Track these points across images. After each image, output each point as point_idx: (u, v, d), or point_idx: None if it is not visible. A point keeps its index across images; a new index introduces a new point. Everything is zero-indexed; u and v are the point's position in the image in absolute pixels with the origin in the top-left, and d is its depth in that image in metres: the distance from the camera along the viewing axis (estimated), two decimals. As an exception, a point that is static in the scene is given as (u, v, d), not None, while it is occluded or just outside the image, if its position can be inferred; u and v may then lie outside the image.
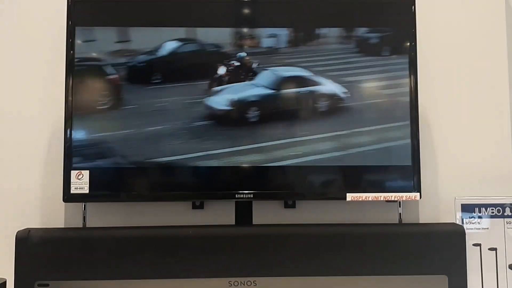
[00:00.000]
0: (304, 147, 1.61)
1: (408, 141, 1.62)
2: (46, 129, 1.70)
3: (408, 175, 1.61)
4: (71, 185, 1.56)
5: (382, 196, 1.60)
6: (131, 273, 1.51)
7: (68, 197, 1.57)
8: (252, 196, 1.59)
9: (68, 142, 1.57)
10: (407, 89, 1.63)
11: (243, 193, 1.59)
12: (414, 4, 1.66)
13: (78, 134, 1.58)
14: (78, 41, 1.59)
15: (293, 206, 1.69)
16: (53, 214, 1.68)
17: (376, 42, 1.65)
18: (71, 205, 1.65)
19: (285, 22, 1.64)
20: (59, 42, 1.64)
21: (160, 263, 1.51)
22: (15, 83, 1.72)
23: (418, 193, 1.61)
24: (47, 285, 1.50)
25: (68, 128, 1.58)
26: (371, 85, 1.65)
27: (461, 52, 1.79)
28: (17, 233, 1.53)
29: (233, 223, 1.66)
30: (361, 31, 1.65)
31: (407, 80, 1.63)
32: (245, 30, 1.64)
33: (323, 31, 1.65)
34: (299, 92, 1.63)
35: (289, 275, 1.54)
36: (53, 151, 1.68)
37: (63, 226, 1.68)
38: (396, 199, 1.61)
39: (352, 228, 1.61)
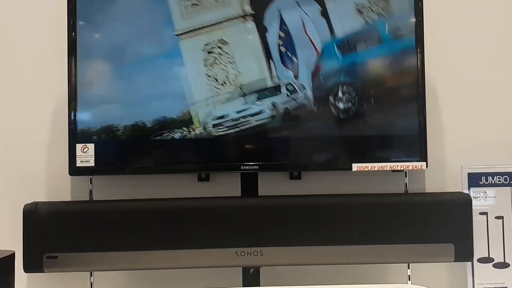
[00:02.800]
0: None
1: (415, 110, 1.61)
2: (50, 103, 1.70)
3: (415, 144, 1.60)
4: (77, 159, 1.56)
5: (388, 166, 1.59)
6: (138, 245, 1.52)
7: (74, 170, 1.57)
8: (257, 167, 1.59)
9: (73, 116, 1.57)
10: (414, 58, 1.61)
11: (248, 165, 1.59)
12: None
13: (83, 107, 1.57)
14: (80, 22, 1.58)
15: (298, 177, 1.69)
16: (59, 188, 1.69)
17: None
18: (77, 178, 1.66)
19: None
20: (62, 19, 1.62)
21: (167, 235, 1.53)
22: (19, 57, 1.72)
23: (425, 163, 1.60)
24: (56, 257, 1.52)
25: (72, 101, 1.58)
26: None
27: (468, 20, 1.76)
28: (24, 206, 1.54)
29: (239, 194, 1.66)
30: None
31: (413, 50, 1.61)
32: None
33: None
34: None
35: (295, 245, 1.54)
36: (58, 124, 1.68)
37: (70, 200, 1.69)
38: (402, 168, 1.60)
39: (358, 198, 1.60)
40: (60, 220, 1.53)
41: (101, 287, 1.66)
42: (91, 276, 1.63)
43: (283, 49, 1.61)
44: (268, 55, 1.61)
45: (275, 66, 1.61)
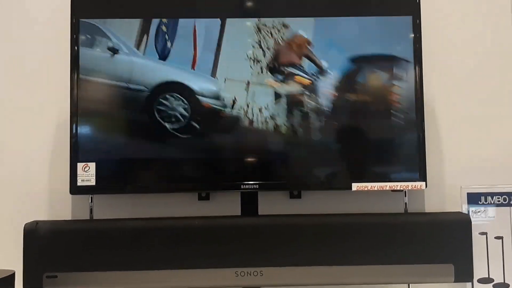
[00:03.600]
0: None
1: (414, 130, 1.61)
2: (52, 122, 1.71)
3: (414, 164, 1.61)
4: (78, 178, 1.57)
5: (387, 185, 1.60)
6: (137, 264, 1.52)
7: (75, 189, 1.58)
8: (257, 186, 1.59)
9: (75, 135, 1.58)
10: (412, 78, 1.62)
11: (248, 184, 1.59)
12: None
13: (84, 127, 1.58)
14: (82, 36, 1.60)
15: (298, 196, 1.70)
16: (60, 207, 1.69)
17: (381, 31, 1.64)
18: (78, 197, 1.66)
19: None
20: (64, 36, 1.64)
21: (167, 254, 1.53)
22: (22, 75, 1.73)
23: (424, 182, 1.61)
24: (56, 276, 1.51)
25: (74, 120, 1.59)
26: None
27: (468, 41, 1.78)
28: (25, 225, 1.54)
29: (239, 213, 1.66)
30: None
31: (412, 70, 1.63)
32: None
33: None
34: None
35: (295, 265, 1.54)
36: (59, 143, 1.69)
37: (70, 218, 1.69)
38: (401, 188, 1.61)
39: (358, 218, 1.61)
40: (60, 239, 1.54)
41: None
42: (92, 295, 1.61)
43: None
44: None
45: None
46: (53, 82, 1.72)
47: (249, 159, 1.61)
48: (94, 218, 1.65)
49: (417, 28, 1.63)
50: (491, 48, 1.78)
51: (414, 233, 1.56)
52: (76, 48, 1.60)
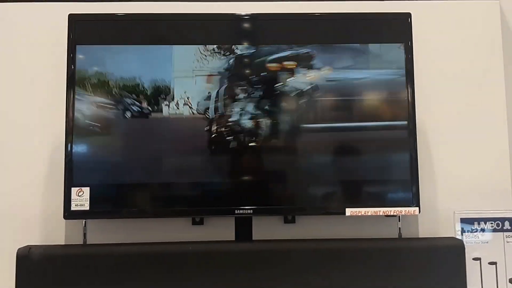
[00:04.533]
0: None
1: (407, 155, 1.63)
2: (46, 146, 1.71)
3: (407, 189, 1.62)
4: (72, 202, 1.57)
5: (381, 210, 1.61)
6: None
7: (69, 214, 1.58)
8: (251, 211, 1.60)
9: (69, 159, 1.59)
10: (405, 104, 1.64)
11: (242, 209, 1.60)
12: (410, 17, 1.67)
13: (79, 151, 1.59)
14: (79, 56, 1.61)
15: (292, 221, 1.70)
16: (53, 231, 1.68)
17: (373, 55, 1.67)
18: (71, 222, 1.66)
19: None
20: (61, 57, 1.66)
21: (161, 279, 1.53)
22: (15, 99, 1.74)
23: (417, 208, 1.61)
24: (48, 302, 1.50)
25: (68, 144, 1.59)
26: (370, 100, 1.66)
27: (458, 66, 1.80)
28: (18, 250, 1.53)
29: (233, 238, 1.67)
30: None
31: (404, 94, 1.65)
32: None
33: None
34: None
35: None
36: (53, 168, 1.69)
37: (63, 243, 1.68)
38: (395, 213, 1.62)
39: (351, 243, 1.62)
40: (53, 264, 1.53)
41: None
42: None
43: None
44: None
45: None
46: (48, 106, 1.72)
47: (243, 184, 1.62)
48: (88, 242, 1.65)
49: (409, 51, 1.65)
50: (482, 72, 1.80)
51: (408, 258, 1.57)
52: (72, 67, 1.61)
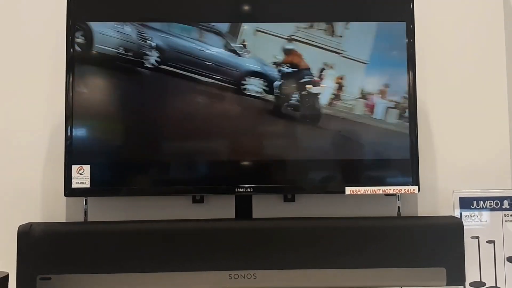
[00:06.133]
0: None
1: (407, 134, 1.62)
2: (47, 124, 1.71)
3: (407, 168, 1.61)
4: (72, 180, 1.56)
5: (380, 189, 1.60)
6: (131, 267, 1.51)
7: (69, 191, 1.57)
8: (252, 190, 1.59)
9: (69, 137, 1.58)
10: (405, 83, 1.63)
11: (243, 187, 1.59)
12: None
13: (79, 129, 1.58)
14: (78, 39, 1.59)
15: (292, 200, 1.70)
16: (54, 209, 1.68)
17: (372, 38, 1.65)
18: (72, 200, 1.66)
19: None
20: (60, 39, 1.65)
21: (161, 257, 1.52)
22: (16, 78, 1.73)
23: (417, 187, 1.61)
24: (49, 278, 1.50)
25: (69, 123, 1.58)
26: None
27: (459, 47, 1.79)
28: (19, 227, 1.53)
29: (233, 217, 1.66)
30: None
31: (405, 75, 1.63)
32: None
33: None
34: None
35: (289, 268, 1.54)
36: (54, 145, 1.68)
37: (64, 221, 1.69)
38: (394, 192, 1.61)
39: (351, 221, 1.61)
40: (54, 241, 1.53)
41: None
42: (87, 298, 1.61)
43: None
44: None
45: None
46: (49, 85, 1.71)
47: (244, 162, 1.61)
48: (89, 220, 1.65)
49: (410, 33, 1.64)
50: (484, 53, 1.79)
51: (407, 236, 1.56)
52: (72, 50, 1.60)
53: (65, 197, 1.61)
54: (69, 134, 1.58)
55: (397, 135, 1.62)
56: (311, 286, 1.56)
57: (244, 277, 1.53)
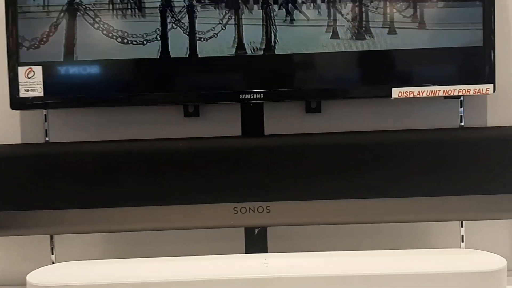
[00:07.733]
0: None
1: (479, 11, 1.28)
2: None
3: (478, 61, 1.30)
4: (20, 86, 1.29)
5: (441, 90, 1.29)
6: (109, 200, 1.33)
7: (16, 102, 1.30)
8: (262, 96, 1.32)
9: (12, 30, 1.28)
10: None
11: (250, 93, 1.32)
12: None
13: (27, 14, 1.28)
14: None
15: (317, 110, 1.44)
16: (4, 128, 1.43)
17: None
18: (29, 116, 1.40)
19: None
20: None
21: (146, 187, 1.33)
22: None
23: (492, 85, 1.30)
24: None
25: (11, 8, 1.27)
26: None
27: None
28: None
29: (239, 133, 1.43)
30: None
31: None
32: None
33: None
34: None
35: (312, 199, 1.32)
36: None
37: (20, 142, 1.44)
38: (461, 93, 1.30)
39: (395, 135, 1.36)
40: (8, 169, 1.31)
41: (65, 254, 1.43)
42: (52, 240, 1.43)
43: None
44: None
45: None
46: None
47: (251, 58, 1.33)
48: (51, 142, 1.41)
49: None
50: None
51: (470, 155, 1.31)
52: None
53: (16, 112, 1.36)
54: (10, 26, 1.28)
55: (465, 14, 1.30)
56: (342, 221, 1.37)
57: (253, 211, 1.33)
